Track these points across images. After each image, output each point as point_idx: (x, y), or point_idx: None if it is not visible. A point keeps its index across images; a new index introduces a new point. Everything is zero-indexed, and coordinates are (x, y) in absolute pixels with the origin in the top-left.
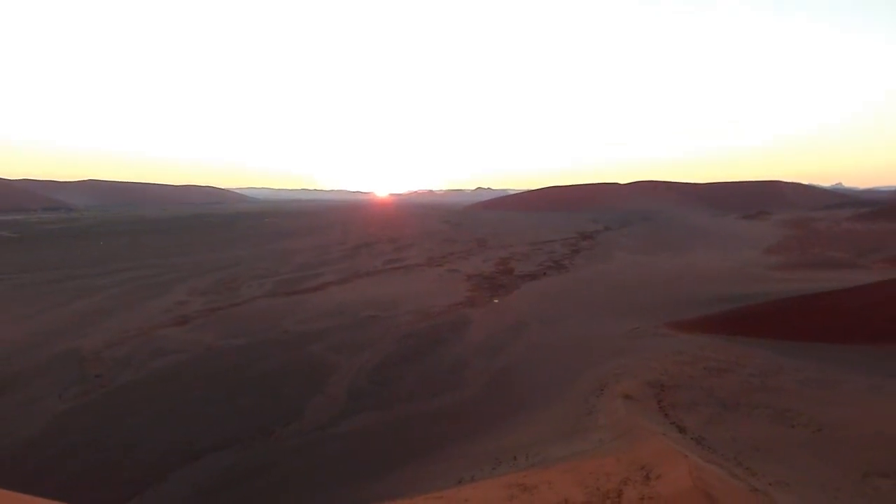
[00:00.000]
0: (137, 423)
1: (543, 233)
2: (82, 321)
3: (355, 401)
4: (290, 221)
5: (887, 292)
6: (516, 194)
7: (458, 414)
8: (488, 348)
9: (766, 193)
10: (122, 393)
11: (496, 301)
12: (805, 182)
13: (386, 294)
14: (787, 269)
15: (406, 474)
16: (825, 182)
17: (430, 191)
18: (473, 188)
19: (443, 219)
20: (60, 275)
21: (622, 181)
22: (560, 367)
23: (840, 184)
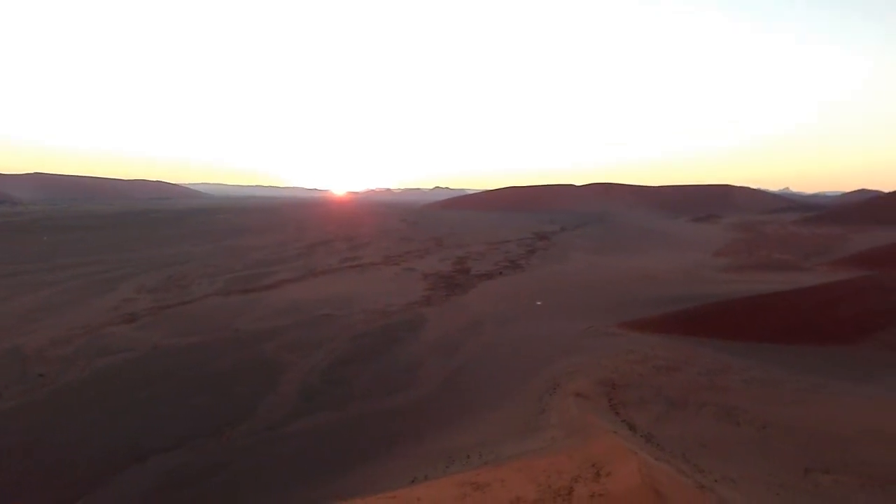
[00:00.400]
0: (83, 424)
1: (500, 233)
2: (26, 318)
3: (309, 400)
4: (244, 218)
5: (831, 294)
6: (474, 194)
7: (413, 413)
8: (444, 347)
9: (717, 197)
10: (67, 392)
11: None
12: (754, 186)
13: (342, 292)
14: (735, 271)
15: (359, 474)
16: (773, 187)
17: (388, 189)
18: (431, 187)
19: (400, 217)
20: (3, 270)
21: (578, 183)
22: (514, 365)
23: (787, 189)
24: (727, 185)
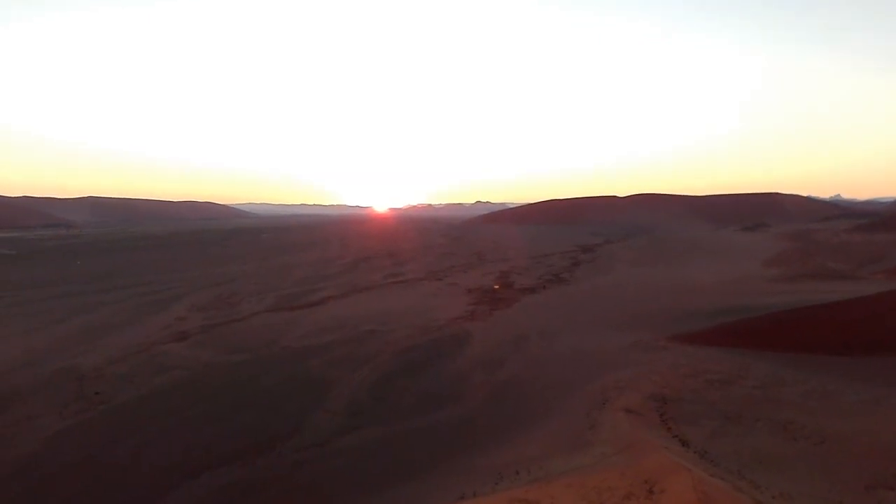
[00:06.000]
0: (137, 441)
1: (543, 246)
2: (81, 338)
3: (355, 416)
4: (287, 236)
5: (887, 304)
6: (516, 207)
7: (459, 428)
8: (489, 362)
9: (765, 206)
10: (122, 410)
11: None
12: (804, 194)
13: (386, 308)
14: (786, 281)
15: (407, 490)
16: (824, 194)
17: (429, 205)
18: (473, 202)
19: (442, 233)
20: (58, 292)
21: (622, 184)
22: (561, 380)
23: (839, 195)
24: (776, 193)
